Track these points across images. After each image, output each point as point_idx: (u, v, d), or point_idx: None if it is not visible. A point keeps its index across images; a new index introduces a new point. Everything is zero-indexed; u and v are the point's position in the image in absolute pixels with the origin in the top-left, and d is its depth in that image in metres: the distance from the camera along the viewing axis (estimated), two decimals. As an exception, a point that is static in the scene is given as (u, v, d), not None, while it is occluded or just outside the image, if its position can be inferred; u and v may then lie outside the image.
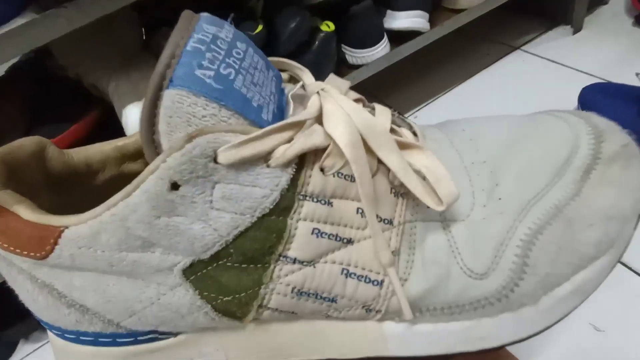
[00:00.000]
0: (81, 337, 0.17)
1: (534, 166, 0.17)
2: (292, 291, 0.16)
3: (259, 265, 0.16)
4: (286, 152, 0.15)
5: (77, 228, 0.14)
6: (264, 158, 0.15)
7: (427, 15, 0.70)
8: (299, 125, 0.15)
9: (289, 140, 0.15)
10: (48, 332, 0.19)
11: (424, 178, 0.16)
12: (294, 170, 0.15)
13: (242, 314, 0.17)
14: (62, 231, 0.14)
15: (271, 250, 0.15)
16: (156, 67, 0.13)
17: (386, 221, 0.16)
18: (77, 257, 0.15)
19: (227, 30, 0.15)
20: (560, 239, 0.15)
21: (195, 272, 0.16)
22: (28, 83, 0.64)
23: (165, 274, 0.15)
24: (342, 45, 0.68)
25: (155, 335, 0.18)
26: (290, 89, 0.17)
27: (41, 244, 0.15)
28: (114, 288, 0.16)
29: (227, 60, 0.14)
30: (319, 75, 0.17)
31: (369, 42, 0.65)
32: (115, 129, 0.57)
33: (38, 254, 0.15)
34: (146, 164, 0.15)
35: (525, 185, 0.16)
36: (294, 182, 0.15)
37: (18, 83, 0.64)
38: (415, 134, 0.18)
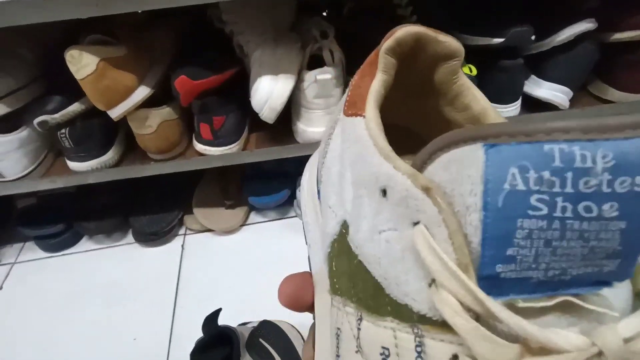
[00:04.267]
0: None
1: None
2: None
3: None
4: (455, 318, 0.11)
5: None
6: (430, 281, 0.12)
7: (570, 93, 0.67)
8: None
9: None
10: None
11: None
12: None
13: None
14: None
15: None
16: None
17: None
18: None
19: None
20: None
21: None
22: (186, 23, 0.70)
23: None
24: (474, 91, 0.67)
25: None
26: None
27: None
28: None
29: (556, 197, 0.10)
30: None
31: (505, 99, 0.64)
32: (242, 92, 0.61)
33: None
34: None
35: None
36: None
37: (178, 19, 0.70)
38: None
